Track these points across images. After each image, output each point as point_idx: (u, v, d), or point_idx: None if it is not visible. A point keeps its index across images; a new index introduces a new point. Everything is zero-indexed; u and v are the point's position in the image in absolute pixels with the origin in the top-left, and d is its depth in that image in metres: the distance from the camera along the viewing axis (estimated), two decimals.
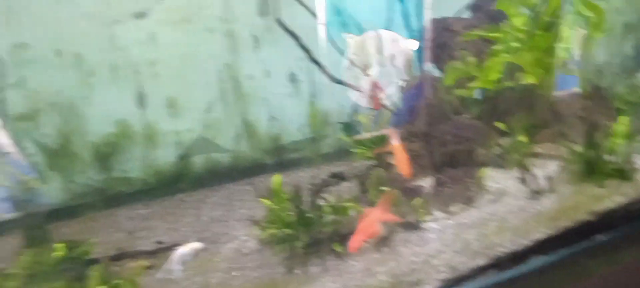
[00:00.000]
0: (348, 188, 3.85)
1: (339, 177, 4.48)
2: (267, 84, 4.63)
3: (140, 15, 3.91)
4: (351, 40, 4.71)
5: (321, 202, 3.31)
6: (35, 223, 4.08)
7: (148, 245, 3.81)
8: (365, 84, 4.68)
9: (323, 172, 4.88)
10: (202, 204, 4.50)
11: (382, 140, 4.12)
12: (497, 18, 3.66)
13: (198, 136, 4.61)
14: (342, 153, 4.87)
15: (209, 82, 4.45)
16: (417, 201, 3.34)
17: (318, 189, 3.23)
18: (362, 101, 4.82)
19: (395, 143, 3.12)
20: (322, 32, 4.22)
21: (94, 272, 3.10)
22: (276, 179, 3.41)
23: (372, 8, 4.48)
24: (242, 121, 4.70)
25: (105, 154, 4.40)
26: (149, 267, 3.50)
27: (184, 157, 4.65)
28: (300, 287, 3.02)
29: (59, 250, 3.47)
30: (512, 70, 3.45)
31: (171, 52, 4.19)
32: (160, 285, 3.26)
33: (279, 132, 4.84)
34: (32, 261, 3.38)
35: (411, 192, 3.38)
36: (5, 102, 3.61)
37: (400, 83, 4.04)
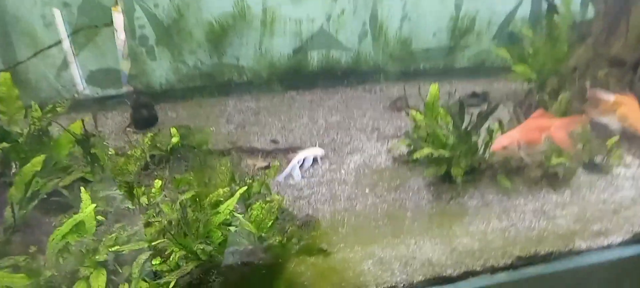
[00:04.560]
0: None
1: (480, 97, 3.85)
2: None
3: None
4: None
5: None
6: (143, 103, 3.78)
7: (263, 143, 3.44)
8: None
9: (457, 89, 4.22)
10: (317, 106, 4.02)
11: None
12: None
13: (319, 28, 4.03)
14: (481, 69, 4.17)
15: None
16: (610, 141, 2.67)
17: (489, 111, 2.60)
18: None
19: (614, 96, 2.31)
20: None
21: (219, 165, 2.71)
22: (433, 89, 2.83)
23: None
24: (370, 17, 4.04)
25: (219, 36, 3.95)
26: (265, 167, 3.14)
27: (300, 50, 4.12)
28: (458, 220, 2.53)
29: (175, 135, 3.17)
30: None
31: None
32: (283, 190, 2.87)
33: (410, 36, 4.16)
34: (151, 144, 3.08)
35: (601, 130, 2.70)
36: None
37: None
